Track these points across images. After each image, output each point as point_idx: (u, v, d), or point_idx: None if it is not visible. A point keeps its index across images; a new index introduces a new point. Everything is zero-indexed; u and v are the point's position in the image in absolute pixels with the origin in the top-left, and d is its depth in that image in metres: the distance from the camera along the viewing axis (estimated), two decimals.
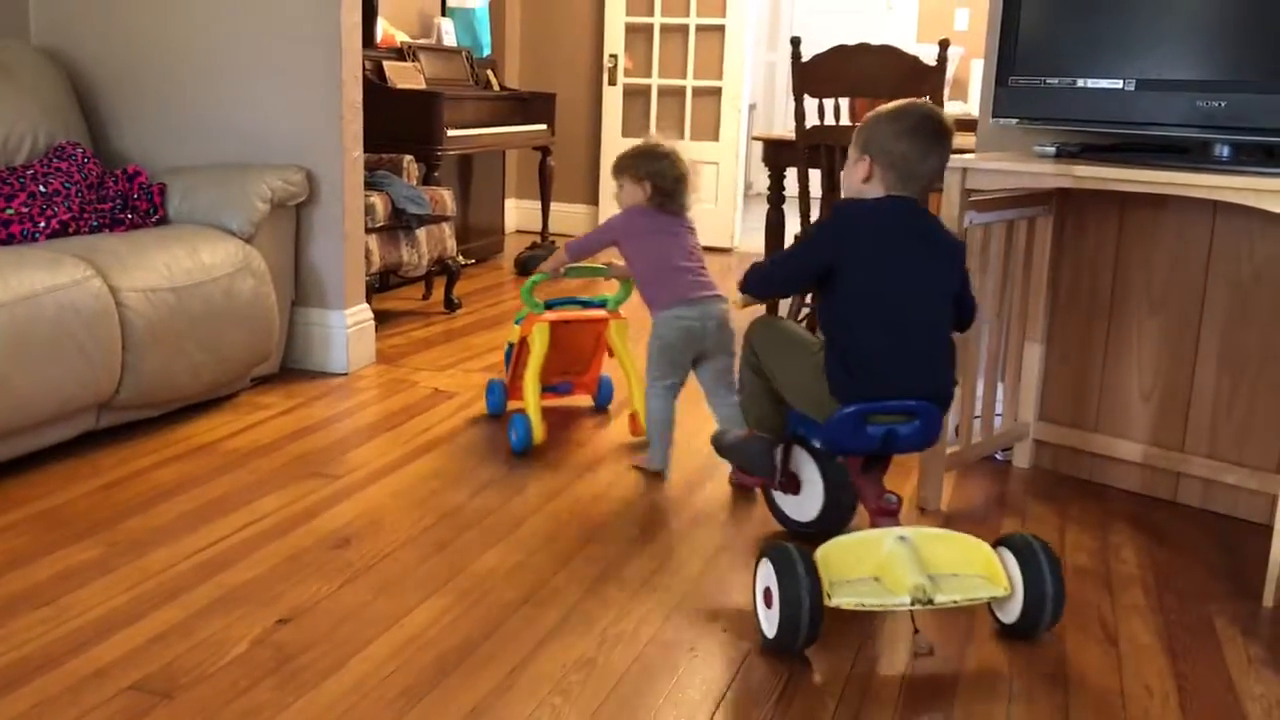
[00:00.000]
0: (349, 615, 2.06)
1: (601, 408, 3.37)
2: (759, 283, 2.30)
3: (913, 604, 1.88)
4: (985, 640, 2.06)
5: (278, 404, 3.31)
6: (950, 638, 2.06)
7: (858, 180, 2.14)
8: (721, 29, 6.42)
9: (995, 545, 2.03)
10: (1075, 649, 2.04)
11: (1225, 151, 2.39)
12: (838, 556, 1.96)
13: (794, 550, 1.92)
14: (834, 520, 2.39)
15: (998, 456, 3.03)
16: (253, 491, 2.64)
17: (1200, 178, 2.24)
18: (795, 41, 3.78)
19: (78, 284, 2.71)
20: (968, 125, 4.62)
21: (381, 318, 4.27)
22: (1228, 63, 2.35)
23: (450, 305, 4.67)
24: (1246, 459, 2.66)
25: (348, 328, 3.65)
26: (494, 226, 6.10)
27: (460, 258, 4.70)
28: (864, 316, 2.06)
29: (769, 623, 1.96)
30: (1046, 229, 2.88)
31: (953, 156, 2.31)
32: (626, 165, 2.98)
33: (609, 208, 6.66)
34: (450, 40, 5.86)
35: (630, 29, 6.57)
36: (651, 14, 6.53)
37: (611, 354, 3.17)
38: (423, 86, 5.06)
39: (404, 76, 5.00)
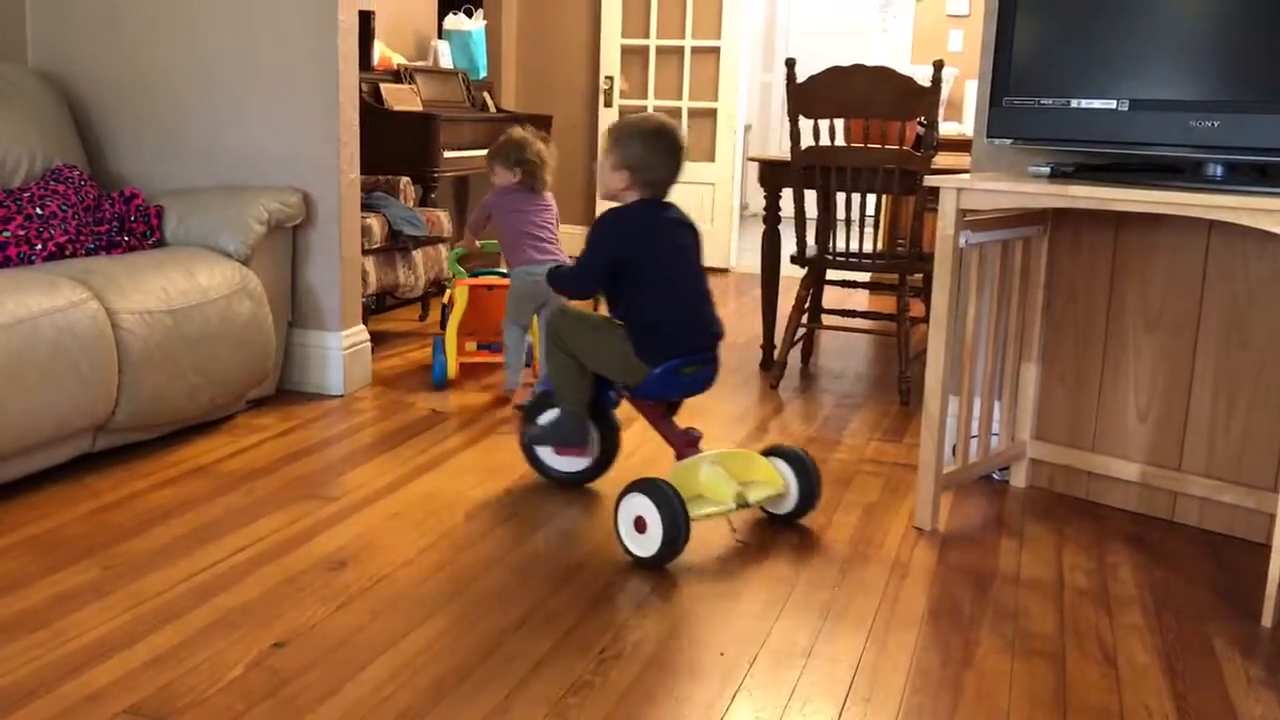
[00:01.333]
0: (346, 638, 2.05)
1: (527, 364, 3.76)
2: (569, 284, 2.80)
3: (737, 507, 2.49)
4: (986, 657, 2.05)
5: (274, 426, 3.30)
6: (949, 657, 2.06)
7: (617, 188, 2.63)
8: (717, 51, 6.45)
9: (767, 455, 2.64)
10: (1074, 669, 2.04)
11: (1219, 171, 2.40)
12: (700, 481, 2.52)
13: (662, 482, 2.41)
14: (605, 465, 2.85)
15: (995, 476, 3.03)
16: (249, 514, 2.63)
17: (1195, 197, 2.24)
18: (790, 63, 3.80)
19: (74, 306, 2.71)
20: (962, 145, 4.65)
21: (378, 339, 4.27)
22: (1221, 83, 2.37)
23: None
24: (1244, 478, 2.66)
25: (344, 349, 3.64)
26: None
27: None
28: (655, 296, 2.57)
29: (645, 546, 2.40)
30: (1041, 249, 2.88)
31: (948, 176, 2.52)
32: (499, 153, 3.70)
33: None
34: (447, 62, 5.88)
35: (626, 51, 6.61)
36: (647, 36, 6.56)
37: None
38: (419, 108, 5.07)
39: (400, 99, 5.01)
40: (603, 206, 2.68)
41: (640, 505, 2.40)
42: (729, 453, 2.64)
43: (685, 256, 2.65)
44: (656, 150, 2.62)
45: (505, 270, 3.84)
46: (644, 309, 2.58)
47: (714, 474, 2.52)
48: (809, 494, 2.63)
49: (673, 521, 2.35)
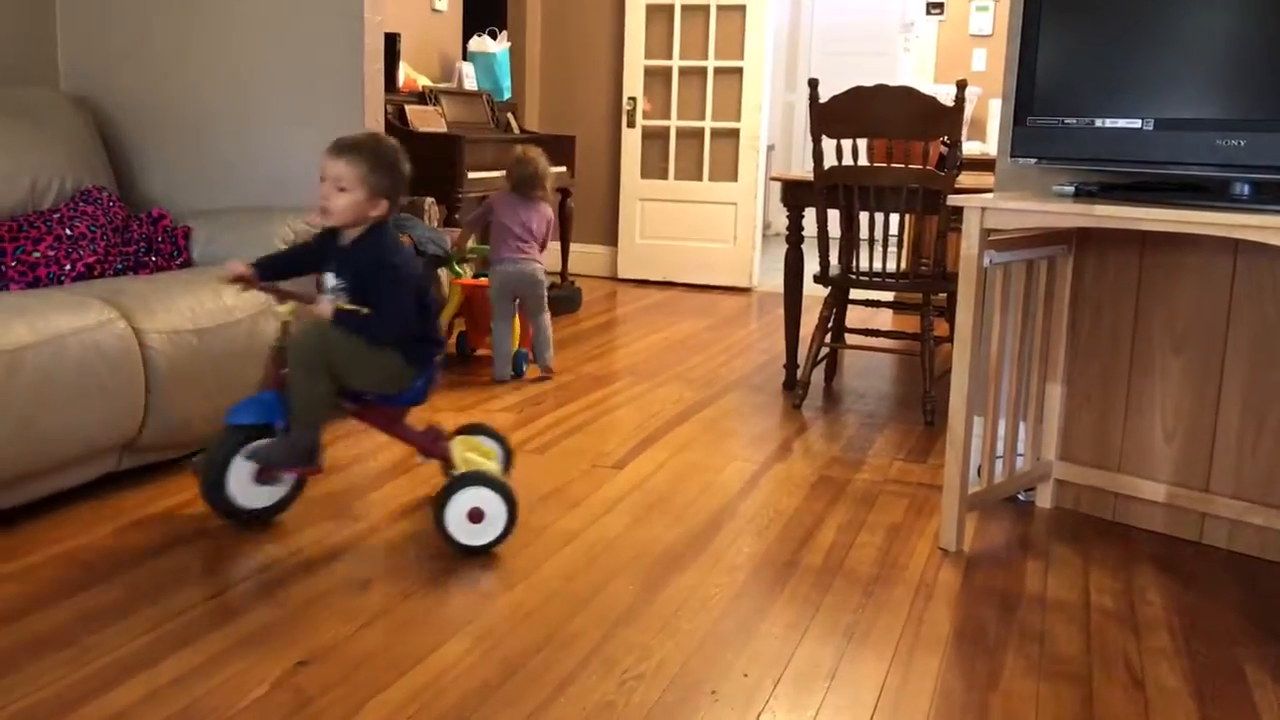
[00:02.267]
0: (368, 658, 2.06)
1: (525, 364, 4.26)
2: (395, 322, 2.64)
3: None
4: (1011, 680, 2.03)
5: None
6: (974, 680, 2.04)
7: (369, 213, 2.58)
8: (739, 71, 6.47)
9: (463, 433, 2.84)
10: (1101, 692, 2.02)
11: (1246, 190, 2.39)
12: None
13: (484, 472, 2.58)
14: (299, 491, 2.76)
15: (1020, 497, 3.01)
16: (273, 533, 2.64)
17: (1221, 216, 2.23)
18: (813, 83, 3.81)
19: (102, 326, 2.73)
20: (985, 165, 4.63)
21: None
22: (1247, 101, 2.35)
23: (471, 345, 4.68)
24: (1273, 499, 2.63)
25: None
26: None
27: None
28: (421, 308, 2.64)
29: (483, 536, 2.52)
30: (1066, 268, 2.87)
31: (972, 196, 2.46)
32: (507, 166, 4.35)
33: (628, 248, 6.71)
34: (471, 84, 5.93)
35: (649, 72, 6.63)
36: (670, 57, 6.58)
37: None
38: (444, 130, 5.11)
39: (425, 120, 5.05)
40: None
41: (475, 497, 2.51)
42: (458, 439, 2.75)
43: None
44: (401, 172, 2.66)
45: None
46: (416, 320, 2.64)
47: (475, 453, 2.70)
48: (508, 461, 2.89)
49: (513, 501, 2.53)
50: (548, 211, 4.35)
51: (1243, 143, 2.32)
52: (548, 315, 4.28)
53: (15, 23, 3.70)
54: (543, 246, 4.32)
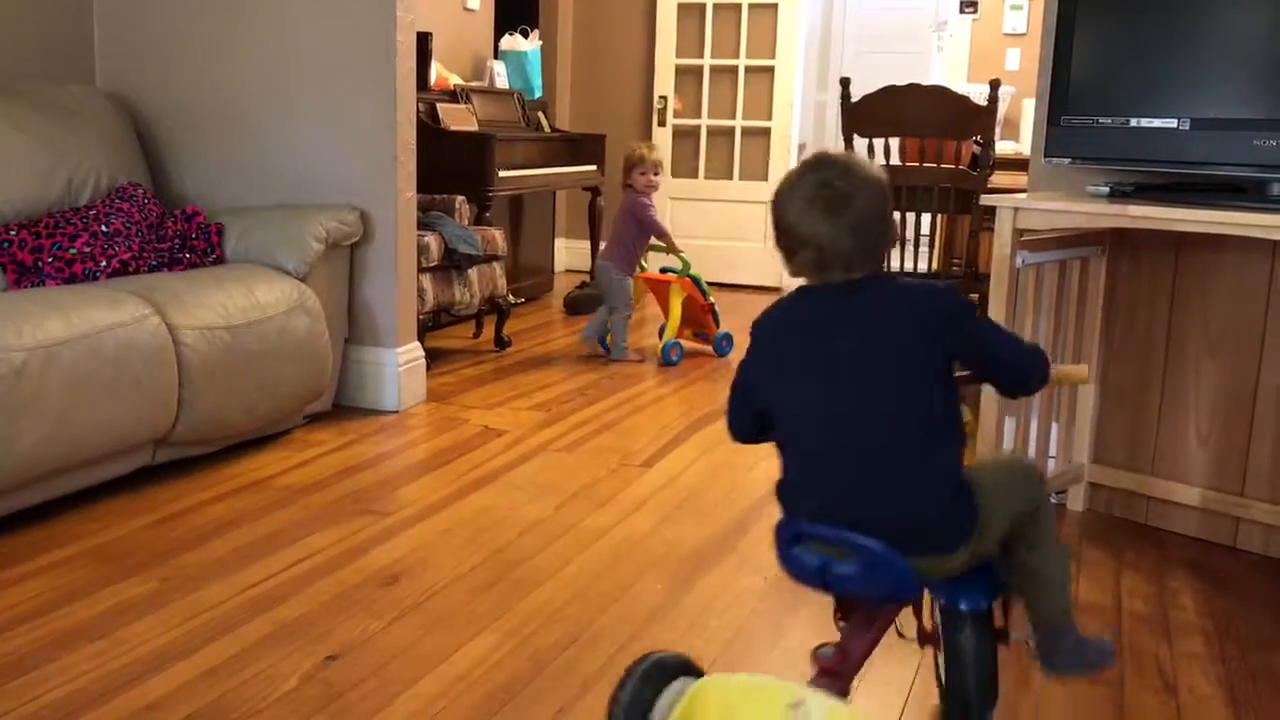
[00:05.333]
0: (398, 652, 2.07)
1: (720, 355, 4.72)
2: (735, 427, 1.77)
3: None
4: (1042, 684, 2.02)
5: (330, 441, 3.34)
6: (1005, 683, 2.02)
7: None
8: (771, 70, 6.45)
9: None
10: (1133, 698, 2.00)
11: None
12: (715, 698, 1.44)
13: (643, 680, 1.48)
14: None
15: (1052, 499, 2.99)
16: (304, 528, 2.66)
17: (1258, 218, 2.20)
18: (845, 82, 3.79)
19: (137, 322, 2.76)
20: (1019, 164, 4.60)
21: (432, 355, 4.30)
22: None
23: (500, 343, 4.70)
24: None
25: (399, 366, 3.68)
26: (544, 266, 6.14)
27: (511, 296, 4.73)
28: (783, 429, 1.65)
29: None
30: (1100, 269, 2.85)
31: (1005, 196, 2.35)
32: None
33: (658, 246, 6.71)
34: (502, 82, 5.94)
35: (680, 71, 6.63)
36: (701, 56, 6.57)
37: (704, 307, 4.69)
38: (475, 128, 5.12)
39: (457, 118, 5.07)
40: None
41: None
42: (837, 707, 1.43)
43: (838, 364, 1.58)
44: (792, 206, 1.66)
45: (673, 268, 4.71)
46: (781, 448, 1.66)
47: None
48: None
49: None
50: (631, 207, 4.63)
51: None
52: (622, 311, 4.58)
53: (53, 21, 3.74)
54: (623, 242, 4.64)
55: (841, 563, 1.52)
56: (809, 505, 1.57)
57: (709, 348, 4.79)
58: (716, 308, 4.74)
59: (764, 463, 3.26)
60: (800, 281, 1.69)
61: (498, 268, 4.57)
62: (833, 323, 1.61)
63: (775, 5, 6.38)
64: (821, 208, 1.61)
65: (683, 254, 4.66)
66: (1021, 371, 1.68)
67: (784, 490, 1.64)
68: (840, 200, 1.62)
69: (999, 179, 3.95)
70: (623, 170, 4.71)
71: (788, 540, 1.58)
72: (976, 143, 3.76)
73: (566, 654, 2.08)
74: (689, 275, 4.62)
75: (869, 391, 1.55)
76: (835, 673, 1.58)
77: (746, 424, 1.72)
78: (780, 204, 1.67)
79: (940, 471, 1.55)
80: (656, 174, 4.66)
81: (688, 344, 4.76)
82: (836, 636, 1.66)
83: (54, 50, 3.75)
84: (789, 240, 1.66)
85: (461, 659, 2.05)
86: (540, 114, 5.99)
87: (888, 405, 1.54)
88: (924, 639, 1.84)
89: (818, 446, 1.59)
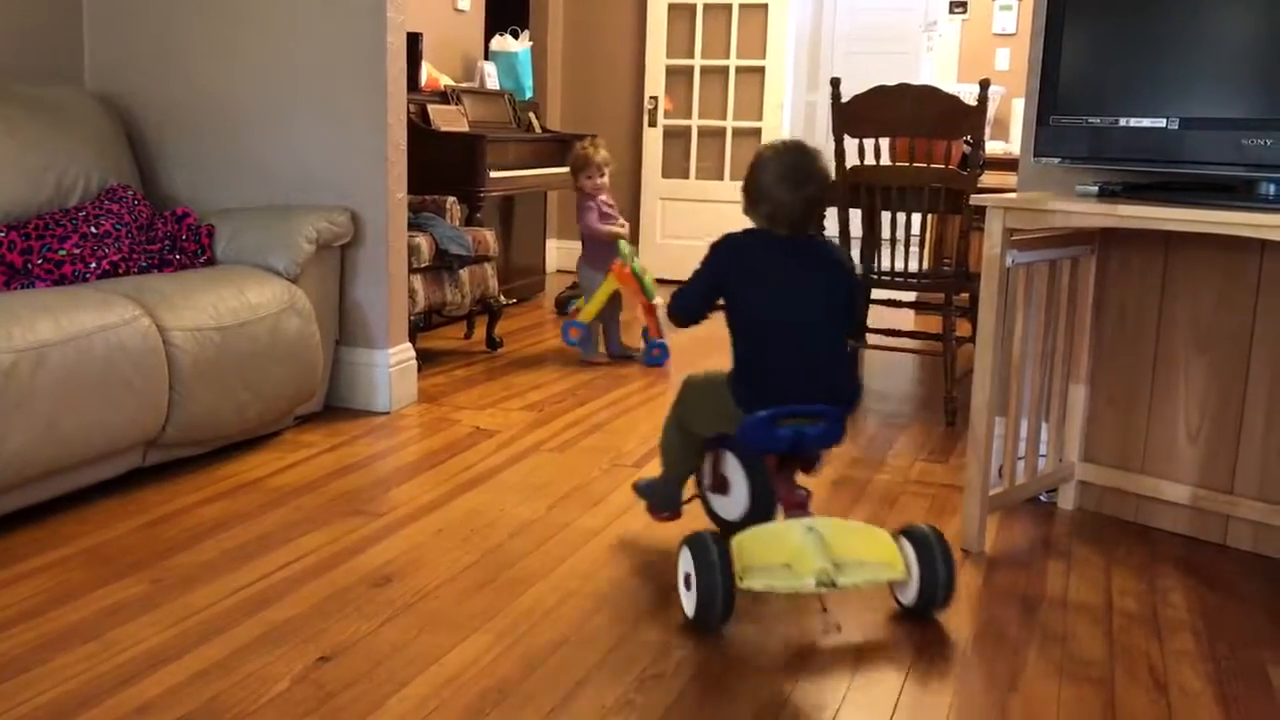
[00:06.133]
0: (389, 654, 2.07)
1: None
2: (675, 311, 2.48)
3: (817, 586, 2.11)
4: (1032, 682, 2.03)
5: (321, 442, 3.34)
6: (995, 681, 2.03)
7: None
8: (761, 70, 6.46)
9: (897, 535, 2.26)
10: (1123, 695, 2.01)
11: (1272, 190, 2.37)
12: (752, 545, 2.20)
13: (709, 538, 2.16)
14: (759, 516, 2.46)
15: (1042, 498, 3.00)
16: (295, 529, 2.66)
17: (1247, 217, 2.21)
18: (835, 82, 3.80)
19: (127, 323, 2.75)
20: (1008, 164, 4.61)
21: (424, 356, 4.30)
22: (1274, 100, 2.33)
23: (492, 344, 4.70)
24: None
25: (391, 367, 3.68)
26: (535, 266, 6.14)
27: (502, 297, 4.73)
28: (751, 335, 2.32)
29: (689, 604, 2.19)
30: (1090, 268, 2.86)
31: (994, 195, 2.46)
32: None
33: (649, 247, 6.70)
34: (493, 83, 5.94)
35: (671, 71, 6.63)
36: (692, 56, 6.58)
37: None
38: (466, 129, 5.12)
39: (447, 119, 5.07)
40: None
41: (686, 562, 2.19)
42: (842, 524, 2.29)
43: (799, 298, 2.29)
44: (776, 179, 2.29)
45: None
46: (740, 346, 2.33)
47: (805, 543, 2.16)
48: (931, 583, 2.21)
49: (708, 588, 2.12)
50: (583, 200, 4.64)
51: (1269, 142, 2.30)
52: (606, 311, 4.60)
53: (42, 21, 3.73)
54: (588, 244, 4.64)
55: (812, 427, 2.25)
56: (776, 392, 2.24)
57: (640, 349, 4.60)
58: (660, 311, 4.45)
59: None
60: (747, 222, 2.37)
61: (489, 268, 4.57)
62: (790, 260, 2.32)
63: (765, 6, 6.39)
64: (790, 184, 2.28)
65: (624, 244, 4.50)
66: (861, 323, 2.79)
67: (747, 380, 2.30)
68: (802, 182, 2.29)
69: (989, 179, 3.96)
70: (570, 173, 4.69)
71: (765, 425, 2.22)
72: (966, 143, 3.76)
73: (558, 655, 2.08)
74: (630, 267, 4.47)
75: (814, 309, 2.30)
76: (797, 503, 2.34)
77: (701, 310, 2.42)
78: (759, 167, 2.34)
79: (846, 359, 2.42)
80: (603, 175, 4.61)
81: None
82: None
83: (43, 51, 3.74)
84: (757, 195, 2.33)
85: (453, 660, 2.05)
86: (531, 114, 5.99)
87: (823, 317, 2.31)
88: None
89: (783, 344, 2.28)
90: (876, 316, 4.92)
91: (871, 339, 4.39)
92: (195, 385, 2.90)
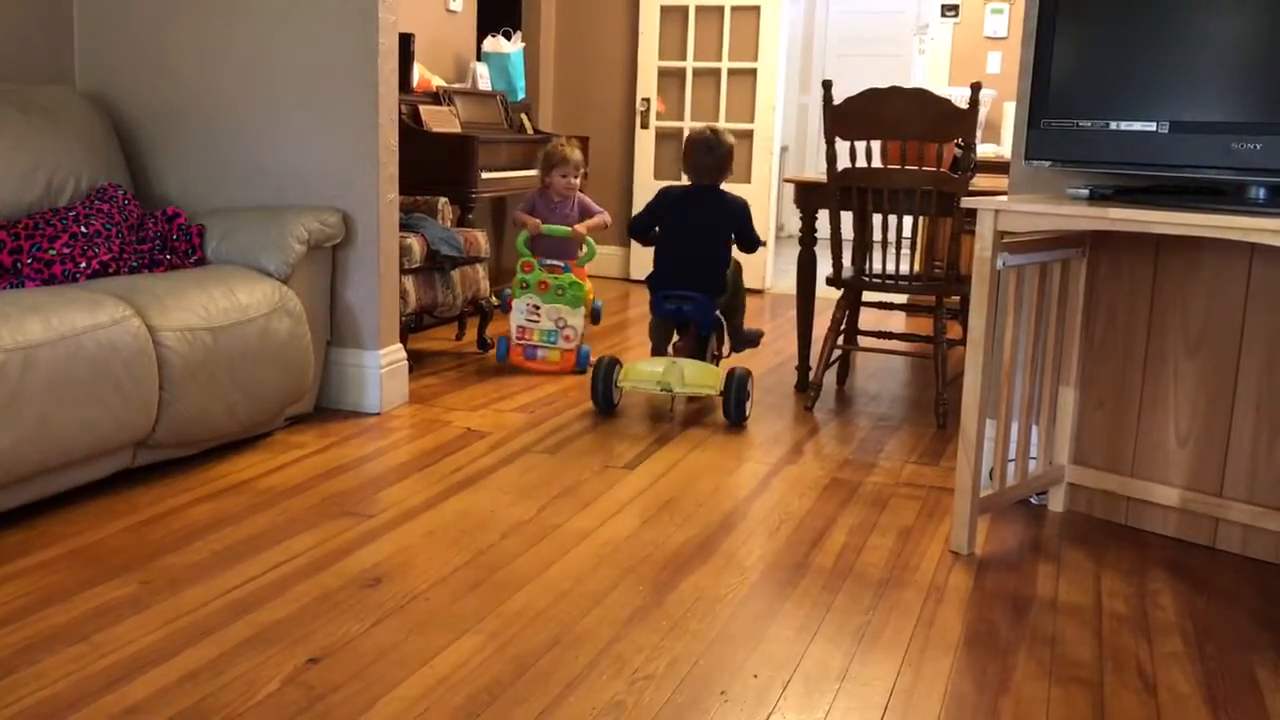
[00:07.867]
0: (379, 655, 2.06)
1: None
2: (633, 230, 4.10)
3: (660, 390, 3.71)
4: (1022, 684, 2.03)
5: (311, 443, 3.33)
6: (985, 683, 2.03)
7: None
8: (753, 72, 6.47)
9: (728, 373, 3.70)
10: (1112, 696, 2.01)
11: (1262, 194, 2.38)
12: (637, 366, 3.78)
13: (608, 360, 3.75)
14: (656, 352, 3.99)
15: (1032, 500, 3.01)
16: (285, 530, 2.65)
17: (1237, 220, 2.22)
18: (827, 85, 3.80)
19: (117, 323, 2.74)
20: (1000, 167, 4.62)
21: (415, 357, 4.29)
22: (1264, 104, 2.34)
23: (483, 345, 4.70)
24: None
25: (382, 368, 3.67)
26: None
27: (494, 298, 4.73)
28: (661, 246, 3.92)
29: (593, 401, 3.79)
30: (1080, 271, 2.86)
31: (986, 198, 2.47)
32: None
33: (641, 249, 6.71)
34: (485, 84, 5.93)
35: (663, 73, 6.64)
36: (684, 58, 6.58)
37: None
38: (458, 130, 5.12)
39: (439, 120, 5.06)
40: None
41: (595, 372, 3.77)
42: (695, 363, 3.76)
43: (692, 226, 3.86)
44: (692, 151, 3.91)
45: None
46: (655, 255, 3.92)
47: (667, 368, 3.69)
48: (729, 402, 3.66)
49: (603, 382, 3.73)
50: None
51: (1259, 146, 2.31)
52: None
53: (33, 21, 3.72)
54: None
55: (688, 305, 3.80)
56: (670, 282, 3.81)
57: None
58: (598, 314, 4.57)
59: (746, 465, 3.27)
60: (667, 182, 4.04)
61: (480, 269, 4.57)
62: (698, 200, 3.90)
63: (757, 8, 6.39)
64: (703, 148, 3.87)
65: (582, 238, 4.42)
66: (751, 245, 3.95)
67: (654, 277, 3.87)
68: (712, 147, 3.87)
69: (980, 182, 3.97)
70: (541, 166, 4.46)
71: (658, 300, 3.83)
72: (958, 145, 3.77)
73: (549, 656, 2.08)
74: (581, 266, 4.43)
75: (704, 233, 3.87)
76: (681, 350, 3.91)
77: (647, 232, 3.98)
78: (688, 142, 3.96)
79: (721, 267, 3.88)
80: (576, 176, 4.45)
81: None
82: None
83: (33, 50, 3.73)
84: (690, 161, 3.90)
85: (443, 661, 2.05)
86: (523, 116, 5.98)
87: (710, 238, 3.87)
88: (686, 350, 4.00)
89: (676, 254, 3.86)
90: (868, 319, 4.93)
91: (862, 341, 4.40)
92: (185, 386, 2.89)
